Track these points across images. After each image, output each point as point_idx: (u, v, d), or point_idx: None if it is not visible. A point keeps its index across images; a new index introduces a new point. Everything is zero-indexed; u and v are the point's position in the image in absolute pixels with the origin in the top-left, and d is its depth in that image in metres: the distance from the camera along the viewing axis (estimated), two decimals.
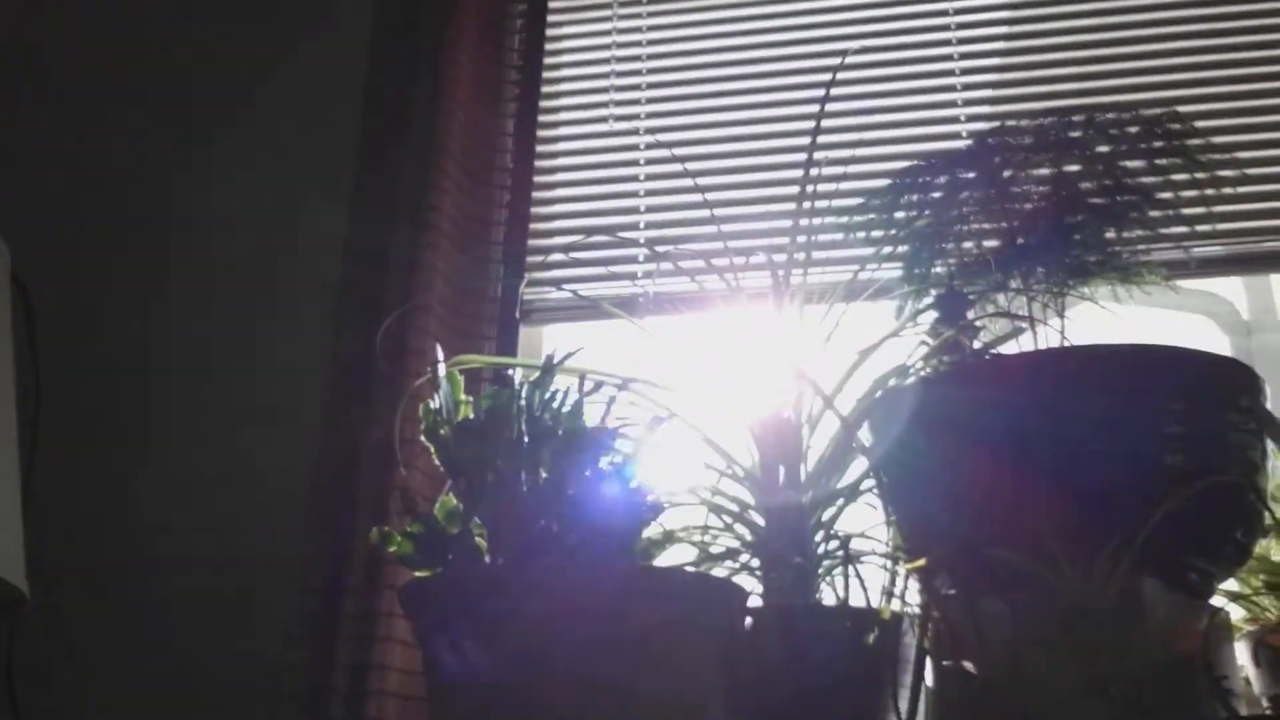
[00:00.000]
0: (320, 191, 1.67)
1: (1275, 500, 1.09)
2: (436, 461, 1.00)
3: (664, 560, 1.06)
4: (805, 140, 1.64)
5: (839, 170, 1.56)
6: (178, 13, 1.87)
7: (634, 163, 1.76)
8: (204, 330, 1.66)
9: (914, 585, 0.99)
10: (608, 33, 1.86)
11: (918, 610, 0.95)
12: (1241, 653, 1.11)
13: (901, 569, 0.98)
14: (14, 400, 1.22)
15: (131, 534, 1.55)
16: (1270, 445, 0.99)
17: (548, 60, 1.79)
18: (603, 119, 1.80)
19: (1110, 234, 1.15)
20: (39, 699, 1.42)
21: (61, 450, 1.48)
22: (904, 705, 0.91)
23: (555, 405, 0.99)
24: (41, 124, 1.83)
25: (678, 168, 1.70)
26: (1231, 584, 1.10)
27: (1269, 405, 1.01)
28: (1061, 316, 1.13)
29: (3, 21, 1.88)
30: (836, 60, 1.73)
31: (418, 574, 0.93)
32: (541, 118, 1.75)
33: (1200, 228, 1.32)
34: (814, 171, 1.32)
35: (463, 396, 1.03)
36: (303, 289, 1.64)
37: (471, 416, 1.00)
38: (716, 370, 1.18)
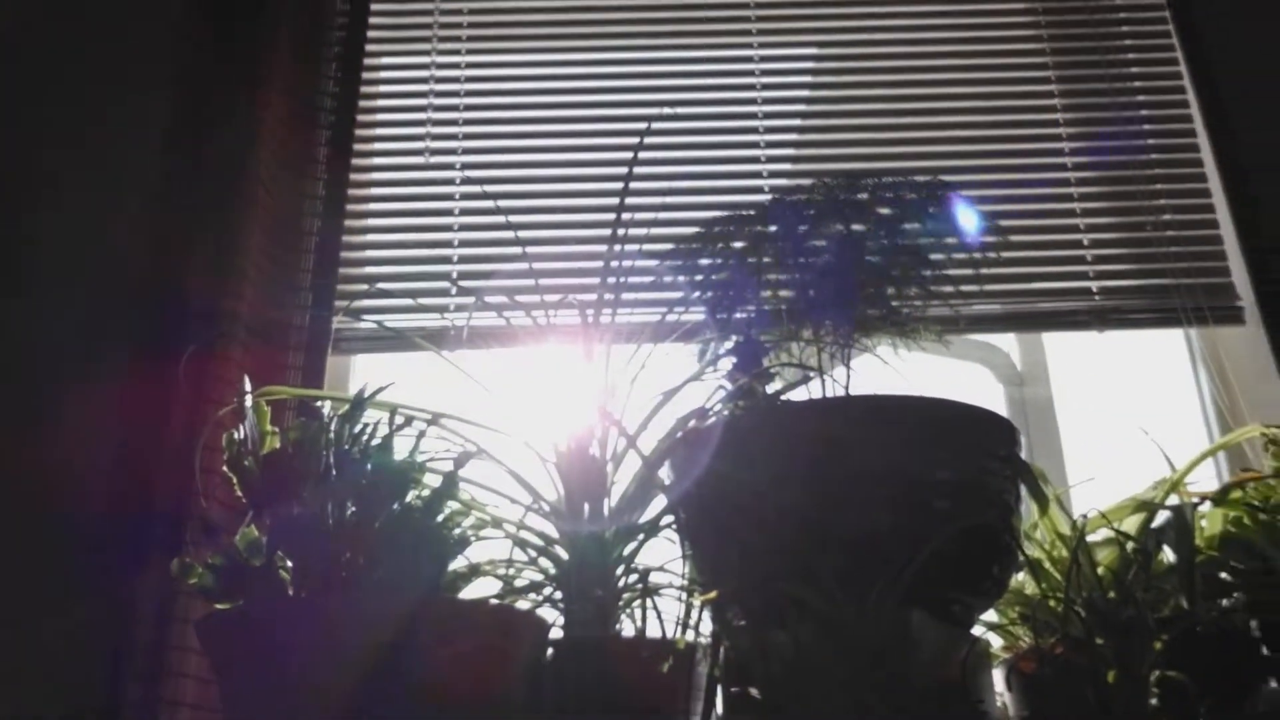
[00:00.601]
0: (123, 202, 1.62)
1: (1028, 539, 1.21)
2: (239, 493, 0.99)
3: (470, 593, 1.08)
4: (618, 185, 1.70)
5: (649, 216, 1.63)
6: None
7: (449, 197, 1.78)
8: None
9: (707, 617, 1.04)
10: (426, 66, 1.88)
11: (710, 640, 1.00)
12: (998, 678, 1.21)
13: (696, 601, 1.03)
14: None
15: None
16: (1023, 490, 1.10)
17: (364, 89, 1.79)
18: (419, 152, 1.82)
19: (891, 291, 1.25)
20: None
21: None
22: None
23: (364, 439, 1.00)
24: None
25: (491, 204, 1.73)
26: (990, 615, 1.20)
27: (1029, 453, 1.12)
28: (847, 366, 1.22)
29: None
30: (651, 111, 1.81)
31: (218, 606, 0.92)
32: (357, 146, 1.75)
33: (968, 288, 1.44)
34: (625, 216, 1.38)
35: (269, 428, 1.03)
36: (98, 305, 1.57)
37: (278, 448, 1.00)
38: (525, 406, 1.21)
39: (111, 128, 1.69)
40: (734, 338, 1.28)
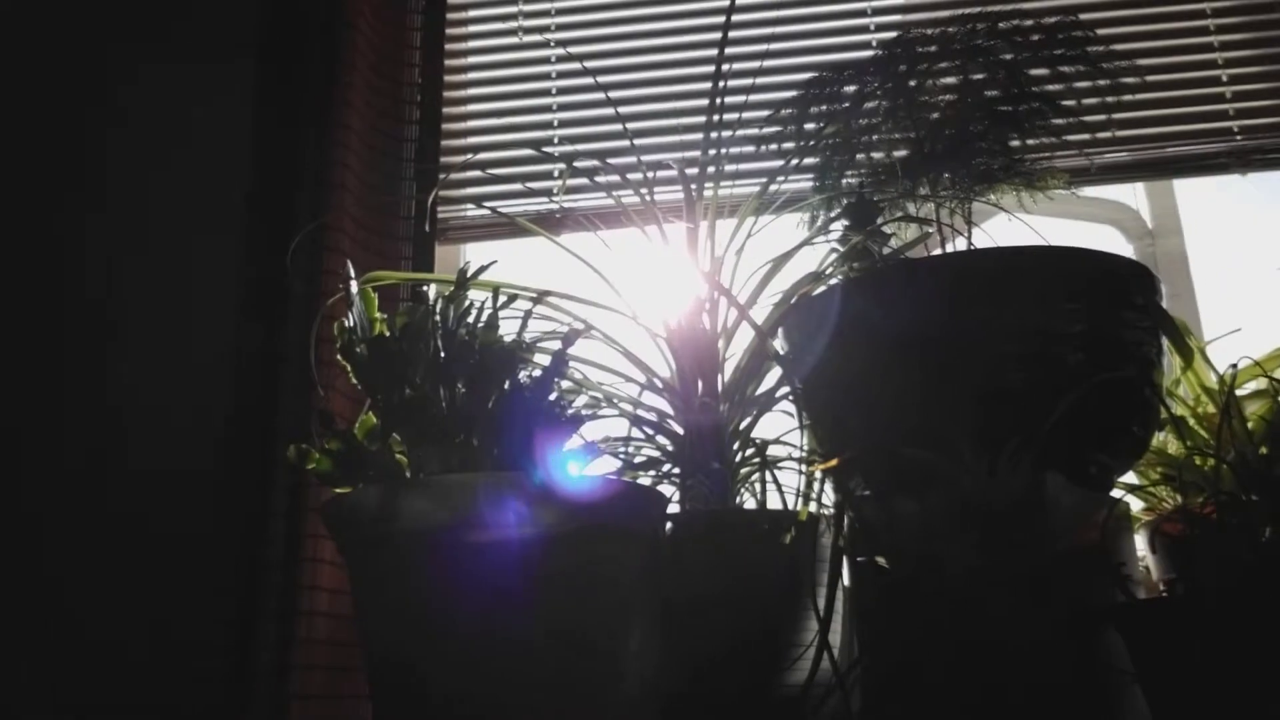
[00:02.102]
0: (222, 114, 1.62)
1: (1170, 395, 1.14)
2: (354, 380, 0.99)
3: (587, 471, 1.07)
4: (715, 52, 1.63)
5: (748, 82, 1.56)
6: None
7: (546, 76, 1.74)
8: (107, 249, 1.60)
9: (829, 488, 1.01)
10: None
11: (833, 511, 0.97)
12: (1140, 542, 1.16)
13: (817, 472, 1.00)
14: None
15: (43, 465, 1.51)
16: (1165, 342, 1.03)
17: None
18: (512, 31, 1.77)
19: (1014, 141, 1.17)
20: None
21: None
22: (822, 601, 0.94)
23: (471, 320, 0.98)
24: None
25: (590, 81, 1.68)
26: (1130, 477, 1.15)
27: (1168, 304, 1.05)
28: (969, 222, 1.16)
29: None
30: None
31: (338, 491, 0.93)
32: (450, 30, 1.71)
33: (1101, 134, 1.35)
34: (723, 84, 1.32)
35: (377, 314, 1.02)
36: (208, 210, 1.59)
37: (387, 334, 0.99)
38: (633, 284, 1.18)
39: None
40: (845, 199, 1.22)
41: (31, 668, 1.42)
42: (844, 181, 1.26)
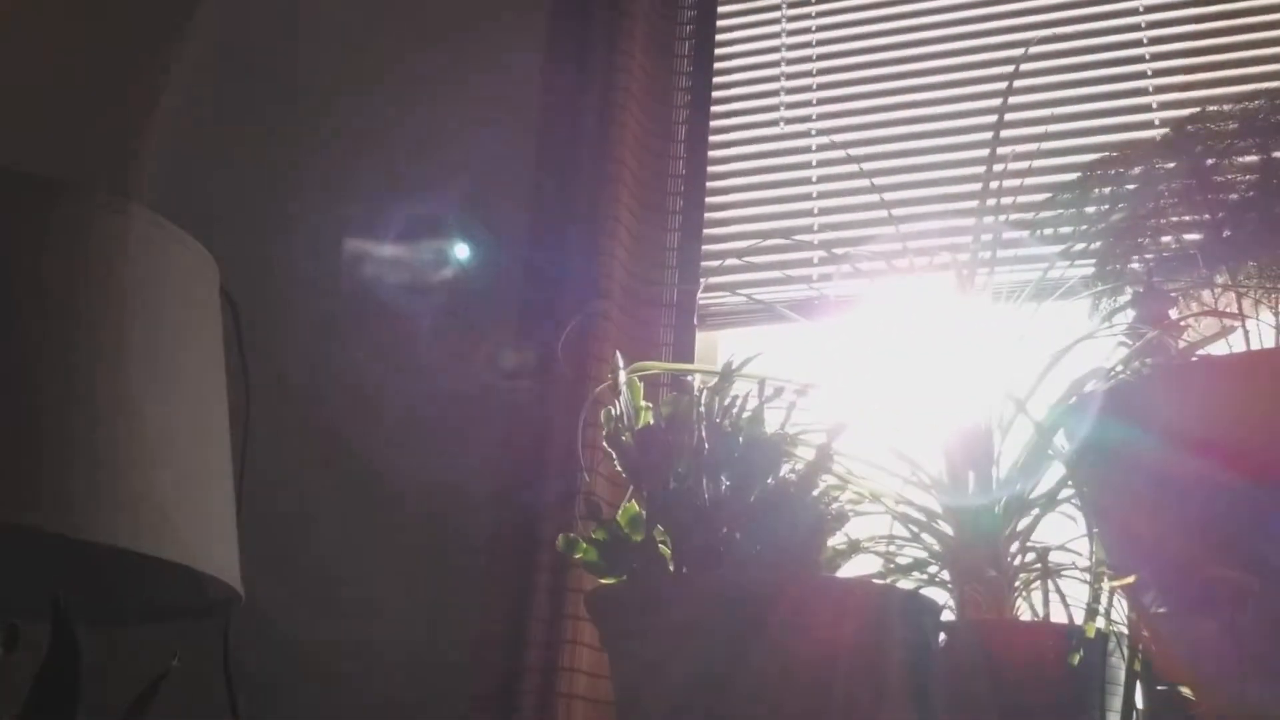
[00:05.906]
0: (499, 198, 1.72)
1: None
2: (618, 468, 1.00)
3: (849, 571, 1.03)
4: (987, 135, 1.58)
5: (1024, 165, 1.50)
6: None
7: (807, 165, 1.74)
8: (392, 344, 1.72)
9: (1120, 603, 0.93)
10: (777, 35, 1.84)
11: (1126, 630, 0.89)
12: None
13: (1106, 585, 0.92)
14: (227, 412, 1.22)
15: (324, 543, 1.61)
16: None
17: (717, 65, 1.78)
18: (774, 121, 1.79)
19: None
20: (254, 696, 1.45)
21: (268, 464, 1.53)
22: None
23: (735, 411, 0.98)
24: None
25: (852, 167, 1.67)
26: None
27: None
28: (1277, 314, 1.06)
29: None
30: (1018, 51, 1.66)
31: (603, 581, 0.94)
32: (713, 123, 1.74)
33: None
34: (997, 167, 1.27)
35: (642, 403, 1.04)
36: (484, 300, 1.68)
37: (652, 423, 1.00)
38: (900, 374, 1.15)
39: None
40: (1132, 289, 1.14)
41: None
42: (1130, 269, 1.19)
